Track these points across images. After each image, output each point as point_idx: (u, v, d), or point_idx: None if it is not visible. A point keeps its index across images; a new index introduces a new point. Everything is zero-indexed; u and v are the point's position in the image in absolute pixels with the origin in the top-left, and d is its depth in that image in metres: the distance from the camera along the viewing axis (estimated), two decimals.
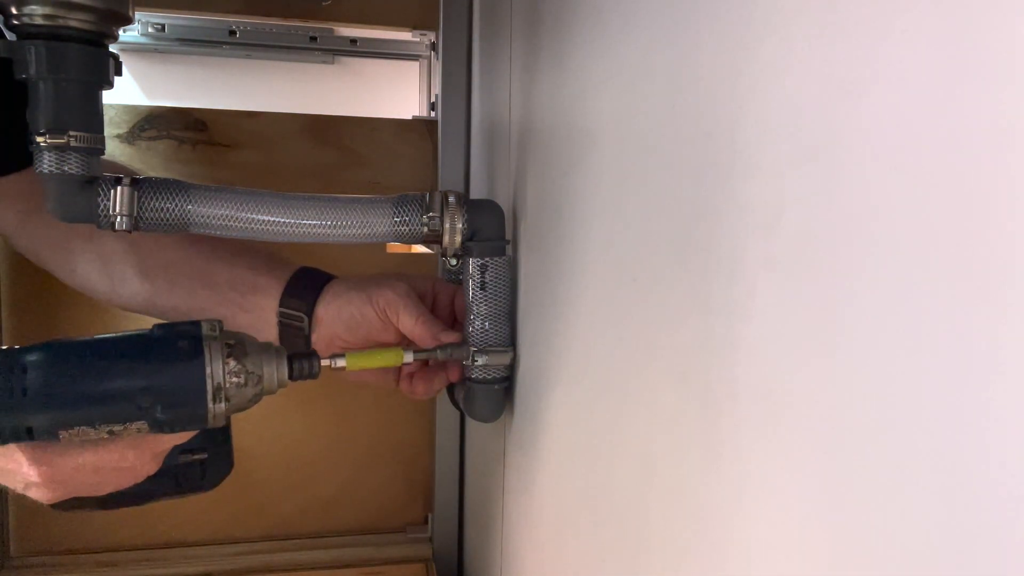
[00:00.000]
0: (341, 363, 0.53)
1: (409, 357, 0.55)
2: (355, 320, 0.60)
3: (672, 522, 0.31)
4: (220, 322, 0.49)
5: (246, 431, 0.95)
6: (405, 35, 1.10)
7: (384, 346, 0.62)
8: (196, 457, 0.55)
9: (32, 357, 0.45)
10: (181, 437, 0.50)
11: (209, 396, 0.46)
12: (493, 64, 0.73)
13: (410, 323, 0.59)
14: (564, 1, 0.46)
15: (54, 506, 0.52)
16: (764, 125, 0.24)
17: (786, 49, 0.23)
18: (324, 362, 0.52)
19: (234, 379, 0.47)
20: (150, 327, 0.48)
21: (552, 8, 0.49)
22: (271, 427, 0.97)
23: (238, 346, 0.48)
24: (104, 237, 0.63)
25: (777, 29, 0.23)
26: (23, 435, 0.44)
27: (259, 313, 0.61)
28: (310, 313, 0.61)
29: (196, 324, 0.48)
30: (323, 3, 0.95)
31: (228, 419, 0.49)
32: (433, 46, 1.06)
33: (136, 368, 0.46)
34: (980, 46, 0.16)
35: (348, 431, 0.99)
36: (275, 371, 0.49)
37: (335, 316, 0.61)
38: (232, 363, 0.47)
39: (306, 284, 0.62)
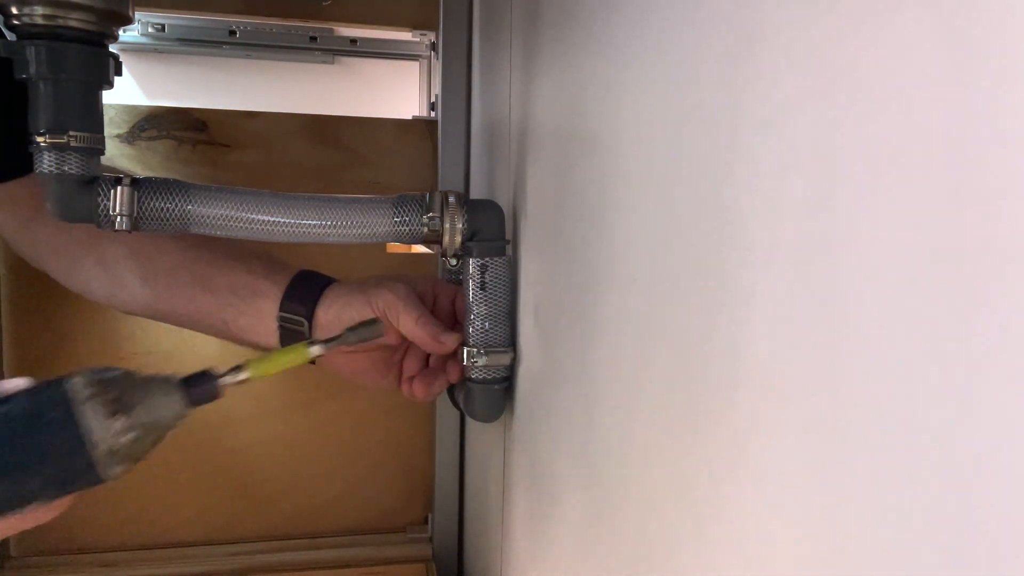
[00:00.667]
0: (243, 375, 0.48)
1: (316, 350, 0.50)
2: (354, 321, 0.60)
3: (673, 521, 0.31)
4: (92, 372, 0.44)
5: (246, 431, 0.95)
6: (405, 35, 1.10)
7: (385, 348, 0.62)
8: None
9: None
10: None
11: (99, 466, 0.42)
12: (493, 64, 0.73)
13: (410, 324, 0.59)
14: (564, 1, 0.46)
15: None
16: (765, 124, 0.24)
17: (786, 52, 0.23)
18: (225, 379, 0.47)
19: (124, 438, 0.43)
20: (15, 391, 0.43)
21: (552, 8, 0.49)
22: (271, 427, 0.97)
23: (121, 398, 0.44)
24: (104, 242, 0.63)
25: (780, 28, 0.23)
26: None
27: (259, 317, 0.61)
28: (310, 316, 0.61)
29: (59, 385, 0.43)
30: (323, 3, 0.95)
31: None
32: (433, 46, 1.06)
33: (11, 461, 0.41)
34: (980, 46, 0.16)
35: (348, 431, 0.99)
36: (170, 410, 0.45)
37: (335, 319, 0.61)
38: (119, 422, 0.43)
39: (306, 287, 0.62)
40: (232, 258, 0.64)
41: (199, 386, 0.47)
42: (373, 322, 0.52)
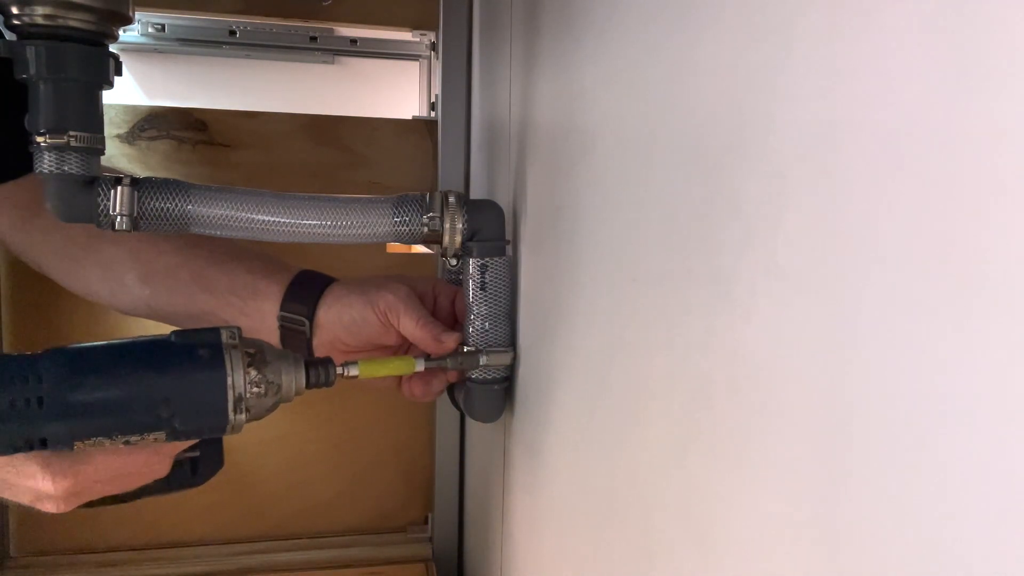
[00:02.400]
0: (354, 371, 0.53)
1: (421, 366, 0.55)
2: (356, 324, 0.60)
3: (674, 521, 0.31)
4: (239, 329, 0.48)
5: (246, 431, 0.95)
6: (405, 35, 1.10)
7: (385, 349, 0.62)
8: (188, 455, 0.54)
9: (47, 365, 0.43)
10: (191, 440, 0.50)
11: (230, 407, 0.46)
12: (493, 64, 0.73)
13: (411, 326, 0.59)
14: (564, 1, 0.46)
15: None
16: (764, 125, 0.24)
17: (786, 49, 0.23)
18: (337, 370, 0.52)
19: (255, 389, 0.47)
20: (168, 333, 0.47)
21: (552, 8, 0.49)
22: (271, 427, 0.96)
23: (258, 354, 0.48)
24: (103, 243, 0.63)
25: (777, 29, 0.23)
26: (36, 446, 0.43)
27: (259, 317, 0.61)
28: (311, 317, 0.61)
29: (216, 331, 0.47)
30: (323, 3, 0.95)
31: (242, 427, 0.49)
32: (433, 46, 1.06)
33: (156, 379, 0.44)
34: (981, 46, 0.16)
35: (348, 431, 0.99)
36: (293, 379, 0.49)
37: (336, 320, 0.60)
38: (253, 373, 0.47)
39: (306, 288, 0.62)
40: (232, 258, 0.63)
41: (320, 368, 0.50)
42: (474, 353, 0.57)
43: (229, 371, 0.46)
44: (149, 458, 0.48)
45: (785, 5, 0.23)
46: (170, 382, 0.45)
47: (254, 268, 0.63)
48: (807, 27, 0.22)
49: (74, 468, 0.45)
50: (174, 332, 0.47)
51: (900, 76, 0.18)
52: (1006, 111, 0.15)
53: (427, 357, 0.56)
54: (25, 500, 0.47)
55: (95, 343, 0.46)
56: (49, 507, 0.47)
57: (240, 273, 0.63)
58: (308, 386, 0.50)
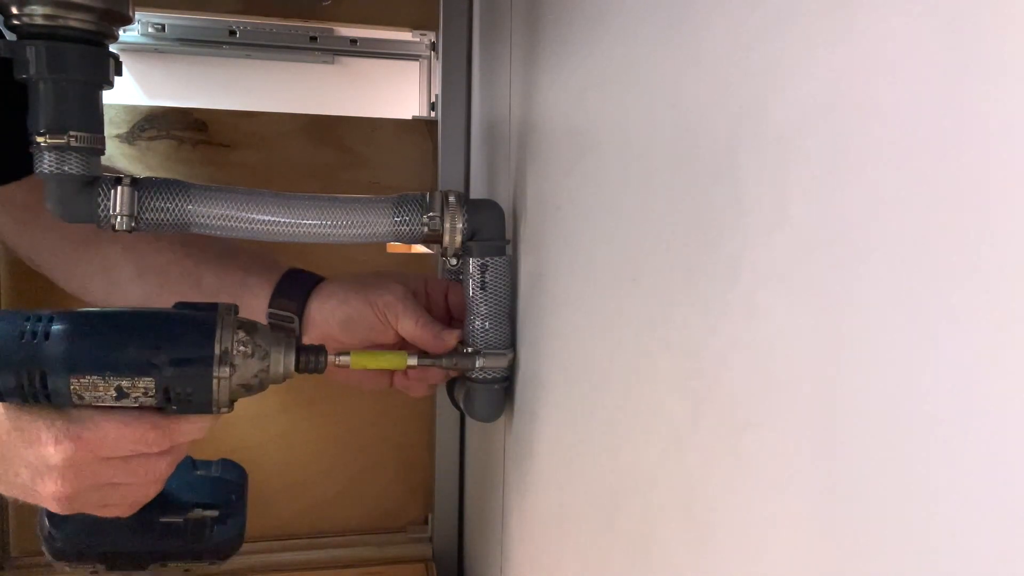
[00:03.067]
0: (345, 360, 0.53)
1: (413, 361, 0.55)
2: (352, 321, 0.60)
3: (673, 519, 0.31)
4: (236, 306, 0.50)
5: (247, 431, 0.95)
6: (405, 35, 1.10)
7: (380, 347, 0.62)
8: (207, 513, 0.55)
9: (56, 313, 0.47)
10: (194, 429, 0.49)
11: (215, 358, 0.47)
12: (493, 64, 0.73)
13: (411, 326, 0.59)
14: (564, 1, 0.46)
15: (65, 558, 0.52)
16: (765, 125, 0.24)
17: (786, 50, 0.23)
18: (329, 358, 0.52)
19: (241, 347, 0.48)
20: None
21: (552, 8, 0.49)
22: (271, 427, 0.97)
23: (249, 325, 0.50)
24: (99, 242, 0.63)
25: (778, 29, 0.23)
26: (36, 383, 0.45)
27: (249, 313, 0.61)
28: (301, 313, 0.61)
29: (213, 303, 0.50)
30: (323, 3, 0.95)
31: (232, 405, 0.50)
32: (433, 46, 1.06)
33: (150, 327, 0.48)
34: (980, 40, 0.16)
35: (348, 431, 0.99)
36: (283, 356, 0.50)
37: (329, 316, 0.60)
38: (242, 334, 0.49)
39: (295, 284, 0.62)
40: (223, 255, 0.64)
41: (312, 353, 0.52)
42: (471, 354, 0.57)
43: (218, 327, 0.48)
44: (147, 433, 0.47)
45: (785, 4, 0.23)
46: (163, 330, 0.47)
47: (244, 265, 0.63)
48: (807, 26, 0.22)
49: (75, 429, 0.46)
50: (176, 303, 0.50)
51: (901, 73, 0.18)
52: (1009, 105, 0.15)
53: (422, 354, 0.56)
54: (26, 476, 0.47)
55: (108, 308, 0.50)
56: (50, 490, 0.47)
57: (231, 270, 0.63)
58: (298, 369, 0.51)
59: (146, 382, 0.47)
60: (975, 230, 0.16)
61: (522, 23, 0.59)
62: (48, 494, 0.47)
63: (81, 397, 0.46)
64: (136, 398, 0.47)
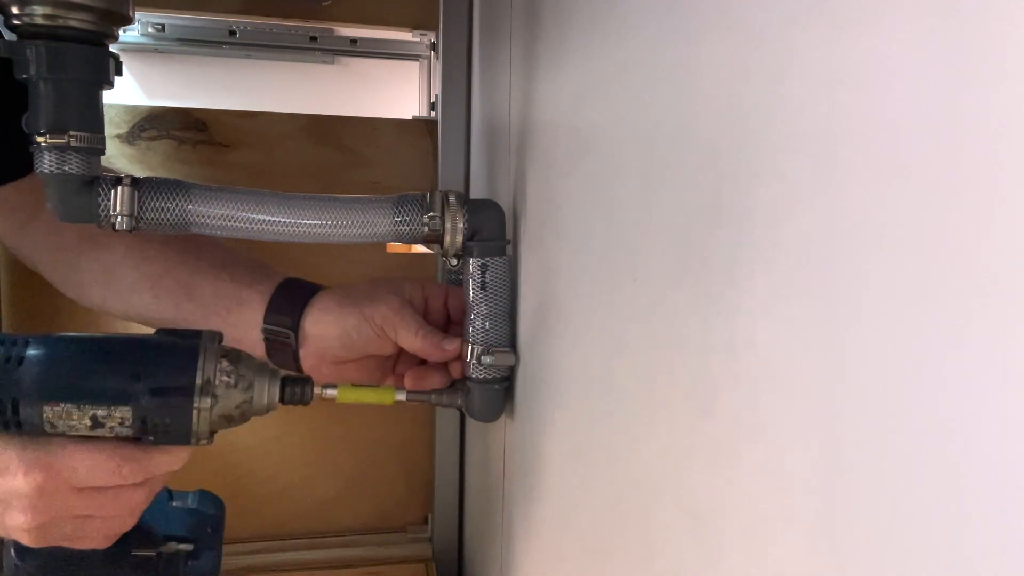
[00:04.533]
0: (332, 393, 0.53)
1: (401, 396, 0.56)
2: (350, 337, 0.59)
3: (674, 520, 0.31)
4: (221, 334, 0.49)
5: (246, 431, 0.95)
6: (405, 35, 1.10)
7: (379, 359, 0.62)
8: (181, 547, 0.54)
9: (33, 337, 0.46)
10: (171, 460, 0.48)
11: (197, 388, 0.46)
12: (493, 64, 0.73)
13: (410, 338, 0.59)
14: (564, 1, 0.46)
15: None
16: (765, 126, 0.24)
17: (787, 51, 0.23)
18: (316, 390, 0.52)
19: (224, 378, 0.47)
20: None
21: (552, 8, 0.49)
22: (271, 427, 0.96)
23: (234, 354, 0.49)
24: (94, 249, 0.63)
25: (778, 31, 0.23)
26: (8, 411, 0.44)
27: (244, 328, 0.60)
28: (296, 328, 0.60)
29: (197, 331, 0.49)
30: (323, 3, 0.95)
31: (212, 437, 0.48)
32: (433, 46, 1.06)
33: (130, 354, 0.46)
34: (980, 47, 0.16)
35: (348, 431, 0.99)
36: (267, 387, 0.49)
37: (325, 331, 0.60)
38: (225, 363, 0.47)
39: (289, 298, 0.61)
40: (217, 266, 0.63)
41: (297, 385, 0.51)
42: (455, 391, 0.59)
43: (201, 355, 0.47)
44: (121, 465, 0.46)
45: (786, 5, 0.23)
46: (142, 357, 0.46)
47: (238, 276, 0.62)
48: (808, 25, 0.22)
49: (47, 459, 0.44)
50: (157, 330, 0.49)
51: (902, 75, 0.18)
52: (1007, 109, 0.15)
53: (410, 393, 0.57)
54: None
55: (85, 334, 0.48)
56: (19, 521, 0.45)
57: (224, 281, 0.62)
58: (283, 401, 0.51)
59: (123, 411, 0.45)
60: (976, 229, 0.16)
61: (522, 23, 0.59)
62: (17, 525, 0.45)
63: (54, 426, 0.45)
64: (112, 428, 0.45)
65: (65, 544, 0.47)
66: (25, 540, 0.46)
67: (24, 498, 0.44)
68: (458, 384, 0.59)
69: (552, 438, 0.50)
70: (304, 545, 0.98)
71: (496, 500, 0.71)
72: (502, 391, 0.60)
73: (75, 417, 0.45)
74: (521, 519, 0.61)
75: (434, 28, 0.99)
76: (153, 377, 0.46)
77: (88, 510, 0.46)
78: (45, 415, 0.44)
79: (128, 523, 0.49)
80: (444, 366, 0.62)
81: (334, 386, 0.53)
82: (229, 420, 0.48)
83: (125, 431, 0.46)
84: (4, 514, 0.45)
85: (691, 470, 0.29)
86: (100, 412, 0.45)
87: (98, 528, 0.48)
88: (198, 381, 0.46)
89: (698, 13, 0.29)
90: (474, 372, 0.59)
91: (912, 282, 0.18)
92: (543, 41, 0.52)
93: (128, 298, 0.63)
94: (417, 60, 1.16)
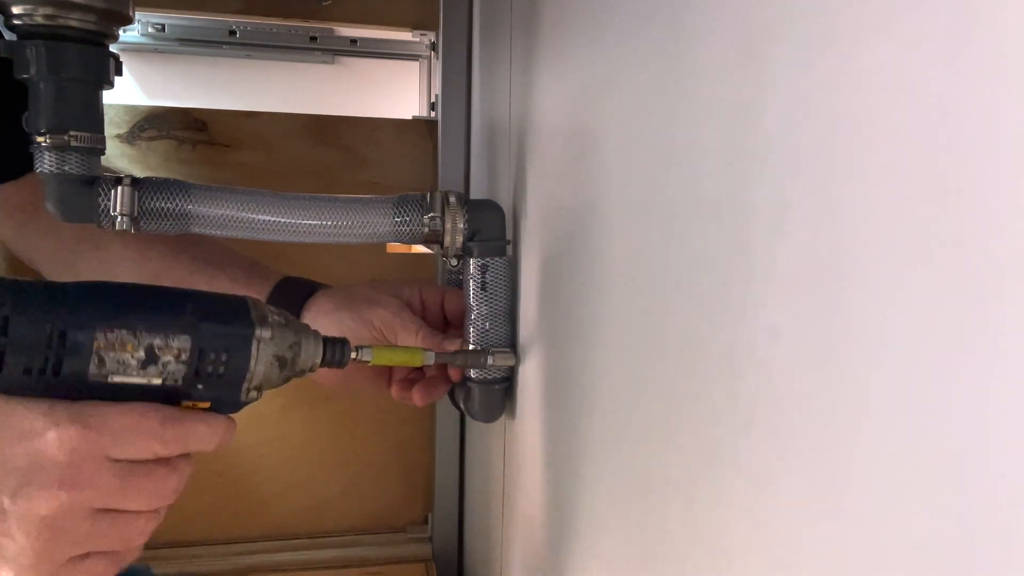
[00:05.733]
0: (367, 356, 0.51)
1: (431, 359, 0.54)
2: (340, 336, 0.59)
3: (674, 520, 0.31)
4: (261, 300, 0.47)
5: (246, 431, 0.95)
6: (405, 35, 1.10)
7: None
8: None
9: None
10: (208, 434, 0.43)
11: (255, 317, 0.43)
12: (493, 64, 0.73)
13: (411, 340, 0.59)
14: (564, 2, 0.46)
15: None
16: (767, 126, 0.24)
17: (789, 53, 0.23)
18: (352, 353, 0.50)
19: (276, 317, 0.45)
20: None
21: (552, 8, 0.49)
22: (272, 427, 0.96)
23: (282, 313, 0.47)
24: (92, 249, 0.63)
25: (781, 33, 0.23)
26: (54, 343, 0.38)
27: None
28: None
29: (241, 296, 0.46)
30: (323, 3, 0.95)
31: (260, 393, 0.45)
32: (433, 46, 1.06)
33: (183, 293, 0.43)
34: (981, 48, 0.16)
35: (348, 431, 0.99)
36: (312, 342, 0.48)
37: (323, 332, 0.60)
38: (273, 308, 0.46)
39: (287, 299, 0.61)
40: (214, 265, 0.63)
41: (337, 345, 0.49)
42: (481, 352, 0.57)
43: (249, 301, 0.44)
44: (163, 426, 0.40)
45: (787, 7, 0.23)
46: (196, 296, 0.43)
47: (235, 276, 0.62)
48: (809, 27, 0.22)
49: (82, 416, 0.38)
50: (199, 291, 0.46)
51: (903, 77, 0.18)
52: (1006, 114, 0.15)
53: (438, 354, 0.55)
54: (10, 484, 0.36)
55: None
56: (35, 504, 0.36)
57: (222, 281, 0.62)
58: (323, 361, 0.48)
59: (181, 341, 0.41)
60: (974, 234, 0.16)
61: (522, 23, 0.59)
62: (31, 511, 0.37)
63: (102, 361, 0.39)
64: (165, 365, 0.41)
65: (71, 554, 0.39)
66: (26, 568, 0.38)
67: (53, 467, 0.37)
68: (478, 348, 0.58)
69: (551, 438, 0.50)
70: (304, 545, 0.98)
71: (496, 500, 0.71)
72: (502, 391, 0.60)
73: (129, 347, 0.40)
74: (521, 519, 0.61)
75: (434, 28, 0.99)
76: (211, 310, 0.42)
77: (115, 496, 0.39)
78: (97, 343, 0.39)
79: (152, 524, 0.42)
80: (444, 368, 0.62)
81: (368, 348, 0.51)
82: (281, 364, 0.45)
83: (178, 370, 0.41)
84: (18, 494, 0.36)
85: (691, 469, 0.29)
86: (157, 342, 0.41)
87: (119, 531, 0.40)
88: (253, 315, 0.44)
89: (697, 14, 0.29)
90: (474, 372, 0.59)
91: (915, 288, 0.18)
92: (543, 41, 0.52)
93: None
94: (417, 60, 1.16)
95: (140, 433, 0.39)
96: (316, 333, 0.48)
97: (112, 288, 0.41)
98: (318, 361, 0.48)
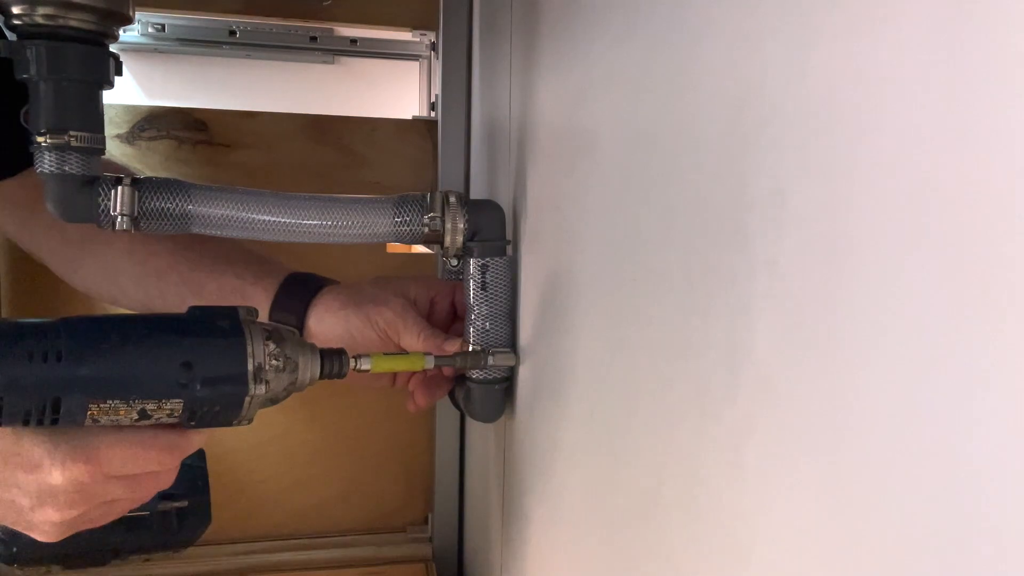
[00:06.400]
0: (366, 365, 0.52)
1: (431, 363, 0.55)
2: (352, 338, 0.60)
3: (673, 522, 0.31)
4: (256, 310, 0.47)
5: (246, 431, 0.95)
6: (405, 35, 1.10)
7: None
8: (175, 505, 0.52)
9: (68, 324, 0.42)
10: (203, 438, 0.47)
11: (251, 374, 0.44)
12: (493, 64, 0.73)
13: (413, 341, 0.59)
14: (564, 1, 0.46)
15: (19, 562, 0.48)
16: (765, 125, 0.24)
17: (787, 51, 0.23)
18: (350, 363, 0.51)
19: (273, 362, 0.45)
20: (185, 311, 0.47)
21: (552, 8, 0.49)
22: (272, 426, 0.97)
23: (275, 332, 0.47)
24: (98, 245, 0.63)
25: (778, 30, 0.23)
26: (48, 411, 0.40)
27: None
28: (300, 326, 0.60)
29: (233, 308, 0.46)
30: (323, 3, 0.95)
31: (252, 419, 0.47)
32: (433, 46, 1.06)
33: (178, 341, 0.43)
34: (983, 50, 0.16)
35: (348, 431, 0.99)
36: (309, 363, 0.48)
37: (329, 331, 0.60)
38: (271, 346, 0.45)
39: (294, 295, 0.61)
40: (221, 261, 0.63)
41: (335, 358, 0.49)
42: (480, 352, 0.57)
43: (249, 339, 0.44)
44: (162, 454, 0.44)
45: (786, 6, 0.23)
46: (191, 345, 0.43)
47: (242, 273, 0.62)
48: (809, 27, 0.22)
49: (85, 452, 0.42)
50: (191, 308, 0.46)
51: (903, 77, 0.18)
52: (1009, 114, 0.15)
53: (438, 357, 0.56)
54: (25, 503, 0.42)
55: (113, 314, 0.45)
56: (51, 515, 0.43)
57: (228, 278, 0.62)
58: (322, 375, 0.49)
59: (174, 403, 0.43)
60: (974, 230, 0.16)
61: (522, 23, 0.59)
62: (45, 520, 0.43)
63: (96, 420, 0.42)
64: (158, 419, 0.43)
65: (86, 528, 0.46)
66: (48, 536, 0.44)
67: (61, 494, 0.42)
68: (478, 349, 0.58)
69: (551, 438, 0.50)
70: (304, 545, 0.98)
71: (496, 500, 0.71)
72: (502, 391, 0.60)
73: (122, 412, 0.42)
74: (521, 519, 0.61)
75: (434, 28, 0.99)
76: (206, 366, 0.43)
77: (120, 495, 0.45)
78: (90, 412, 0.41)
79: (150, 496, 0.48)
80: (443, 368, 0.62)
81: (367, 356, 0.52)
82: (273, 401, 0.47)
83: (171, 421, 0.44)
84: (33, 512, 0.43)
85: (691, 470, 0.29)
86: (150, 406, 0.42)
87: (123, 507, 0.47)
88: (250, 368, 0.44)
89: (697, 12, 0.29)
90: (474, 372, 0.59)
91: (913, 285, 0.18)
92: (543, 41, 0.52)
93: (134, 293, 0.63)
94: (417, 60, 1.17)
95: (140, 460, 0.44)
96: (313, 350, 0.49)
97: (107, 350, 0.42)
98: (316, 376, 0.49)
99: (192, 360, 0.43)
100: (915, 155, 0.18)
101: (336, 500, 1.00)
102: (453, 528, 1.00)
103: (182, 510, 0.53)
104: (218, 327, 0.44)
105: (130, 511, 0.48)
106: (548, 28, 0.50)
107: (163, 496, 0.52)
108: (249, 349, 0.44)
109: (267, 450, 0.97)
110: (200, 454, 0.56)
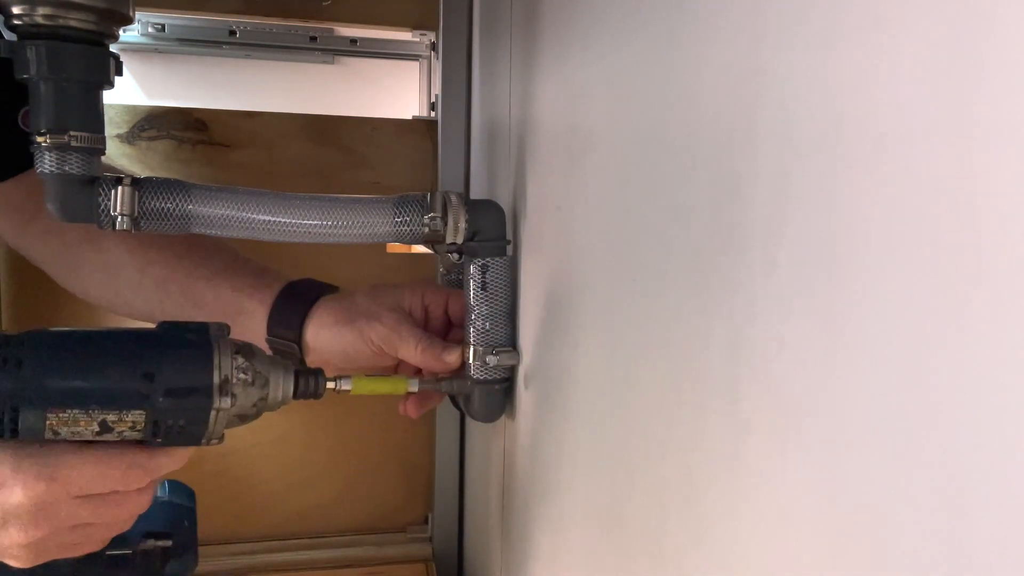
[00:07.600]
0: (346, 387, 0.52)
1: (414, 387, 0.55)
2: (348, 354, 0.60)
3: (673, 520, 0.31)
4: (228, 326, 0.47)
5: (246, 432, 0.95)
6: (405, 35, 1.10)
7: (383, 369, 0.62)
8: (159, 544, 0.52)
9: (30, 335, 0.42)
10: (175, 461, 0.46)
11: (216, 387, 0.43)
12: (493, 64, 0.73)
13: (411, 353, 0.59)
14: (564, 1, 0.46)
15: None
16: (765, 125, 0.24)
17: (786, 50, 0.23)
18: (329, 384, 0.51)
19: (241, 375, 0.45)
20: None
21: (552, 8, 0.49)
22: (271, 427, 0.96)
23: (246, 349, 0.47)
24: (97, 252, 0.63)
25: (777, 30, 0.23)
26: (6, 421, 0.40)
27: (250, 337, 0.60)
28: (299, 340, 0.60)
29: (204, 324, 0.46)
30: (323, 3, 0.95)
31: (223, 437, 0.47)
32: (433, 46, 1.06)
33: (140, 351, 0.43)
34: (979, 47, 0.16)
35: (348, 431, 0.99)
36: (281, 381, 0.48)
37: (325, 347, 0.60)
38: (240, 360, 0.45)
39: (290, 308, 0.61)
40: (217, 272, 0.62)
41: (311, 377, 0.49)
42: (465, 380, 0.57)
43: (216, 351, 0.44)
44: (127, 473, 0.43)
45: (787, 6, 0.23)
46: (153, 356, 0.43)
47: (238, 285, 0.62)
48: (808, 26, 0.22)
49: (47, 470, 0.41)
50: (161, 323, 0.46)
51: (900, 75, 0.18)
52: (1007, 109, 0.15)
53: (422, 382, 0.56)
54: None
55: (88, 328, 0.45)
56: (16, 537, 0.42)
57: (225, 290, 0.62)
58: (296, 395, 0.49)
59: (135, 415, 0.42)
60: (975, 232, 0.16)
61: (522, 23, 0.59)
62: (14, 543, 0.42)
63: (56, 433, 0.41)
64: (120, 432, 0.42)
65: (60, 556, 0.45)
66: (20, 561, 0.43)
67: (24, 514, 0.41)
68: (463, 380, 0.58)
69: (552, 438, 0.50)
70: (304, 545, 0.98)
71: (496, 500, 0.71)
72: (502, 391, 0.60)
73: (82, 423, 0.42)
74: (521, 519, 0.61)
75: (434, 28, 0.99)
76: (168, 377, 0.42)
77: (88, 519, 0.44)
78: (49, 422, 0.41)
79: (126, 526, 0.47)
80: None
81: (348, 377, 0.52)
82: (243, 419, 0.46)
83: (134, 435, 0.43)
84: (1, 528, 0.42)
85: (692, 470, 0.29)
86: (110, 417, 0.42)
87: (95, 534, 0.46)
88: (216, 380, 0.43)
89: (698, 12, 0.29)
90: (475, 372, 0.59)
91: (914, 286, 0.18)
92: (543, 41, 0.52)
93: (133, 300, 0.63)
94: (417, 60, 1.16)
95: (105, 479, 0.43)
96: (288, 368, 0.49)
97: (68, 358, 0.41)
98: (290, 394, 0.49)
99: (154, 371, 0.42)
100: (916, 155, 0.18)
101: (336, 500, 1.00)
102: (453, 528, 1.00)
103: (167, 549, 0.52)
104: (185, 339, 0.44)
105: (113, 549, 0.48)
106: (548, 28, 0.50)
107: (147, 534, 0.52)
108: (216, 361, 0.44)
109: (267, 450, 0.97)
110: (190, 495, 0.56)
